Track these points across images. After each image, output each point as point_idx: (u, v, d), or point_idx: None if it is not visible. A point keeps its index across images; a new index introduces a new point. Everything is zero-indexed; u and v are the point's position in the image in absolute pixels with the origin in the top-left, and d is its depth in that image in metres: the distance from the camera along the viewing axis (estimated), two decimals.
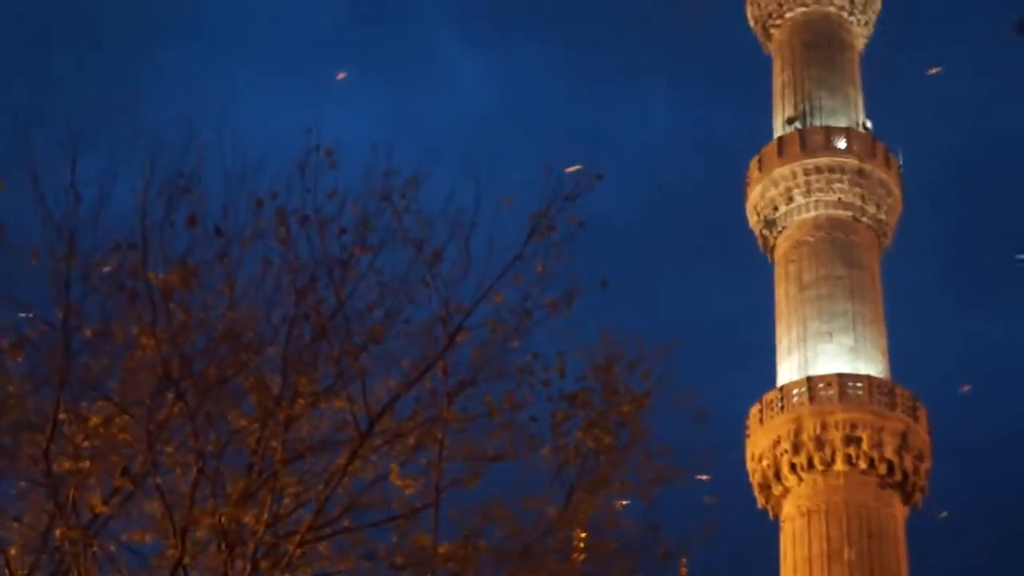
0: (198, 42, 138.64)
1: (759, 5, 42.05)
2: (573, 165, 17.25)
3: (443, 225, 16.37)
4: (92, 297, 15.99)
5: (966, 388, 49.16)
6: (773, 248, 38.92)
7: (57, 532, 15.41)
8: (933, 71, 34.22)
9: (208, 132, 16.25)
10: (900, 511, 35.50)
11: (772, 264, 39.40)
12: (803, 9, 41.39)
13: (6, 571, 15.52)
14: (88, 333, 15.95)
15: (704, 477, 19.05)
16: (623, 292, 19.17)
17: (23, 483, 16.21)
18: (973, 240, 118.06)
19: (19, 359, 15.87)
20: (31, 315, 15.87)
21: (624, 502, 17.58)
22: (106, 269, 15.79)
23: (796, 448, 35.46)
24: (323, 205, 16.18)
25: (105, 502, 15.79)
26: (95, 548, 15.86)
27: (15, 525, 16.06)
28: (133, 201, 15.75)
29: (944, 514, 41.09)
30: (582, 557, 17.00)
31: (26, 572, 15.59)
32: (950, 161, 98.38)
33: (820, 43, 41.88)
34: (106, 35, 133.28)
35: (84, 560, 15.32)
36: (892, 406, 35.48)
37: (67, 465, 15.52)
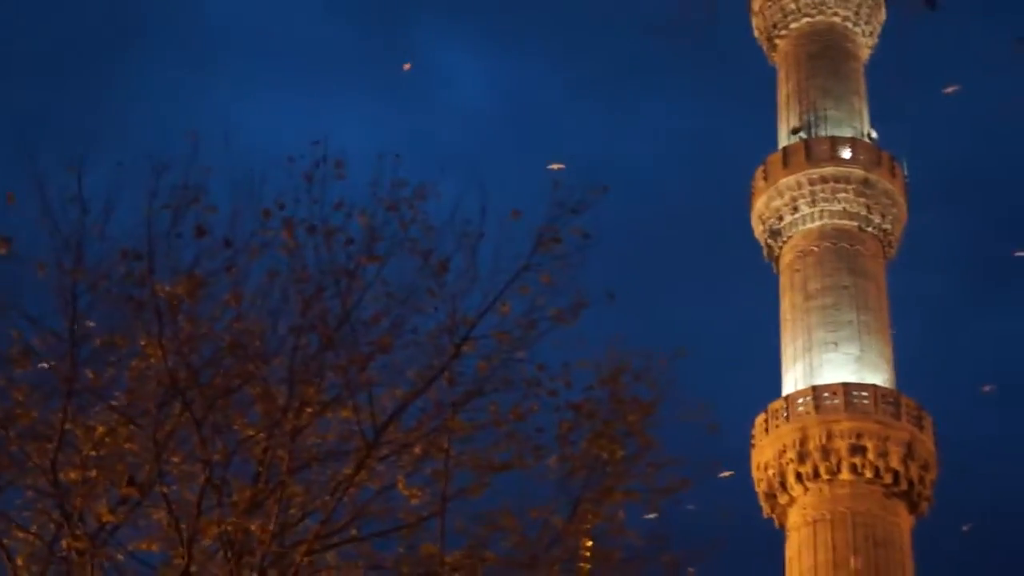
0: (204, 55, 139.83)
1: (764, 16, 42.21)
2: (578, 176, 17.42)
3: (450, 235, 16.52)
4: (99, 308, 16.12)
5: (988, 389, 49.04)
6: (778, 258, 39.15)
7: (64, 542, 15.56)
8: (950, 89, 34.23)
9: (215, 144, 16.46)
10: (906, 520, 35.65)
11: (777, 274, 39.53)
12: (808, 19, 41.59)
13: None
14: (97, 343, 16.02)
15: (727, 473, 19.26)
16: (628, 303, 19.28)
17: (30, 492, 16.41)
18: (979, 249, 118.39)
19: (26, 368, 15.98)
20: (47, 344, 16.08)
21: (650, 515, 17.72)
22: (105, 297, 16.04)
23: (802, 457, 35.63)
24: (330, 216, 16.36)
25: (112, 511, 15.90)
26: (102, 558, 15.98)
27: (21, 535, 16.22)
28: (140, 215, 15.90)
29: (967, 528, 41.14)
30: (588, 567, 17.07)
31: None
32: (957, 170, 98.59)
33: (825, 53, 42.07)
34: (111, 49, 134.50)
35: (91, 570, 15.47)
36: (897, 415, 35.67)
37: (74, 475, 15.65)
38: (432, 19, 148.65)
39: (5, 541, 15.88)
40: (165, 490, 15.85)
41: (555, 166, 16.82)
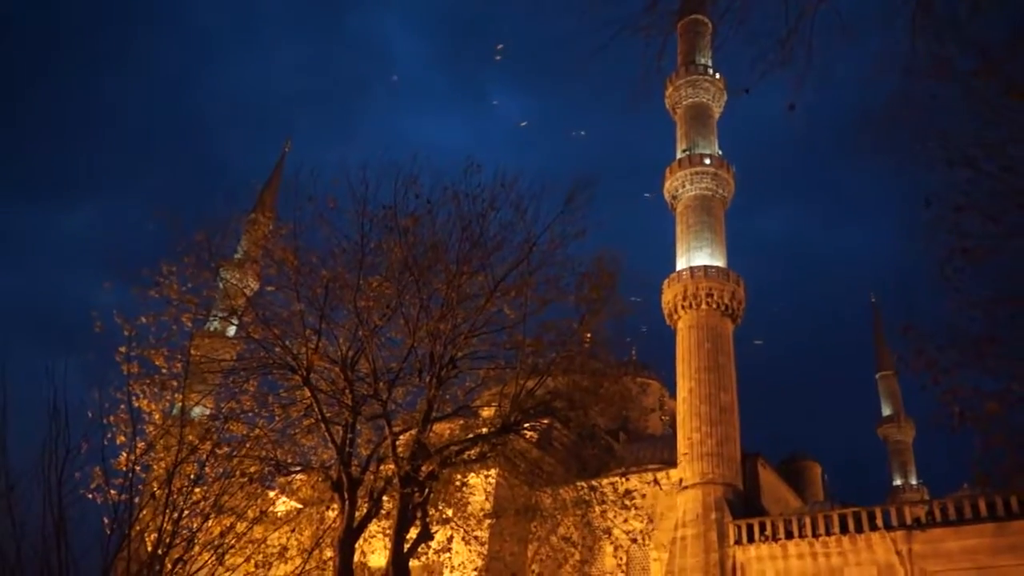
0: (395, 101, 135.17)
1: (670, 99, 40.22)
2: (584, 175, 16.88)
3: (528, 198, 16.77)
4: (374, 231, 16.54)
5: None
6: (676, 209, 37.91)
7: (360, 332, 16.14)
8: (746, 90, 32.18)
9: (419, 153, 16.20)
10: (730, 327, 35.14)
11: (675, 215, 38.39)
12: (690, 100, 39.77)
13: (337, 346, 15.77)
14: (372, 245, 16.10)
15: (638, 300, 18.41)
16: (606, 228, 18.84)
17: (346, 312, 16.66)
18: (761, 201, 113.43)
19: (340, 256, 16.20)
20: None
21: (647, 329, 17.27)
22: (376, 225, 15.60)
23: (684, 297, 35.02)
24: (473, 189, 16.46)
25: (380, 319, 16.49)
26: (377, 338, 16.29)
27: (339, 330, 16.36)
28: (391, 188, 16.05)
29: (759, 341, 40.16)
30: (587, 344, 16.93)
31: (346, 348, 15.83)
32: (755, 162, 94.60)
33: (697, 115, 40.51)
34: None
35: (370, 346, 15.69)
36: (727, 279, 34.97)
37: (363, 303, 16.60)
38: (499, 72, 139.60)
39: (336, 333, 16.01)
40: (402, 311, 15.90)
41: (522, 123, 16.57)
